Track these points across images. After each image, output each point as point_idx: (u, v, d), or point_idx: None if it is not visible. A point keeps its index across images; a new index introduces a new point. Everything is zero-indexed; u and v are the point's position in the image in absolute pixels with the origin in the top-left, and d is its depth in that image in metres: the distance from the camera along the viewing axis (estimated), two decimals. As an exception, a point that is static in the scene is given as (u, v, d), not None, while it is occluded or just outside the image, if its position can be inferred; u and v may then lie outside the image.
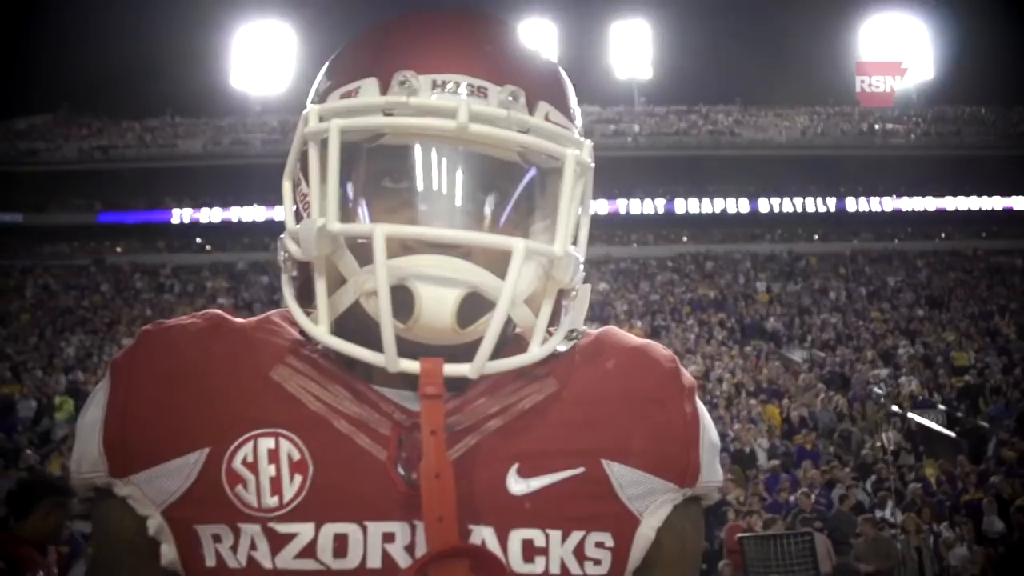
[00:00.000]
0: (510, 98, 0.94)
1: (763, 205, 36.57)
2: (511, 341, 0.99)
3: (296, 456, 0.92)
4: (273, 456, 0.92)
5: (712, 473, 1.03)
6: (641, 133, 39.04)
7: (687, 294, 27.64)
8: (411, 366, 0.87)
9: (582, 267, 0.98)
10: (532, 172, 0.99)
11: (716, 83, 45.17)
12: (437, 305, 0.88)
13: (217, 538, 0.91)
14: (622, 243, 34.55)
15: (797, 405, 16.68)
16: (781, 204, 36.53)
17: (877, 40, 43.60)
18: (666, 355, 1.05)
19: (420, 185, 0.94)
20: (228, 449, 0.92)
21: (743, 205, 36.65)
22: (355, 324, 0.93)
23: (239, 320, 1.03)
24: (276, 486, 0.91)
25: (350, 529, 0.90)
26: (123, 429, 0.94)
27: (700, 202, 36.66)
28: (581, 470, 0.95)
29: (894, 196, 36.63)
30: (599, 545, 0.95)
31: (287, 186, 0.99)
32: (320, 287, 0.92)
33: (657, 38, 43.85)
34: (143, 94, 43.64)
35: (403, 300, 0.88)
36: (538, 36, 40.60)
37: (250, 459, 0.92)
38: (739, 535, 9.54)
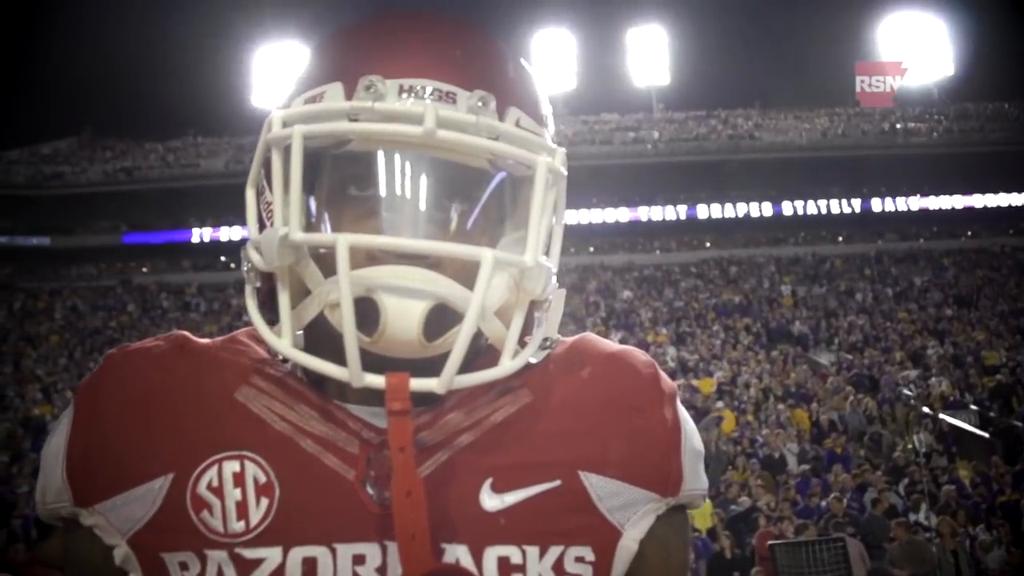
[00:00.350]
0: (479, 103, 0.91)
1: (786, 208, 36.38)
2: (482, 353, 0.96)
3: (262, 479, 0.89)
4: (239, 479, 0.89)
5: (696, 480, 0.99)
6: (660, 139, 38.98)
7: (712, 300, 27.51)
8: (376, 381, 0.83)
9: (555, 278, 0.95)
10: (503, 180, 0.96)
11: (734, 87, 45.19)
12: (403, 317, 0.85)
13: (184, 566, 0.88)
14: (645, 250, 34.51)
15: (826, 408, 16.46)
16: (804, 206, 36.32)
17: (895, 39, 43.17)
18: (644, 360, 1.02)
19: (386, 193, 0.91)
20: (193, 474, 0.90)
21: (766, 209, 36.47)
22: (323, 337, 0.90)
23: (204, 341, 1.01)
24: (242, 510, 0.88)
25: (319, 552, 0.87)
26: (86, 457, 0.92)
27: (722, 207, 36.55)
28: (557, 483, 0.92)
29: (918, 195, 36.30)
30: (579, 560, 0.92)
31: (251, 194, 0.97)
32: (283, 298, 0.89)
33: (674, 44, 43.79)
34: (165, 115, 44.31)
35: (368, 312, 0.84)
36: (556, 46, 40.92)
37: (215, 483, 0.89)
38: (770, 542, 9.37)
